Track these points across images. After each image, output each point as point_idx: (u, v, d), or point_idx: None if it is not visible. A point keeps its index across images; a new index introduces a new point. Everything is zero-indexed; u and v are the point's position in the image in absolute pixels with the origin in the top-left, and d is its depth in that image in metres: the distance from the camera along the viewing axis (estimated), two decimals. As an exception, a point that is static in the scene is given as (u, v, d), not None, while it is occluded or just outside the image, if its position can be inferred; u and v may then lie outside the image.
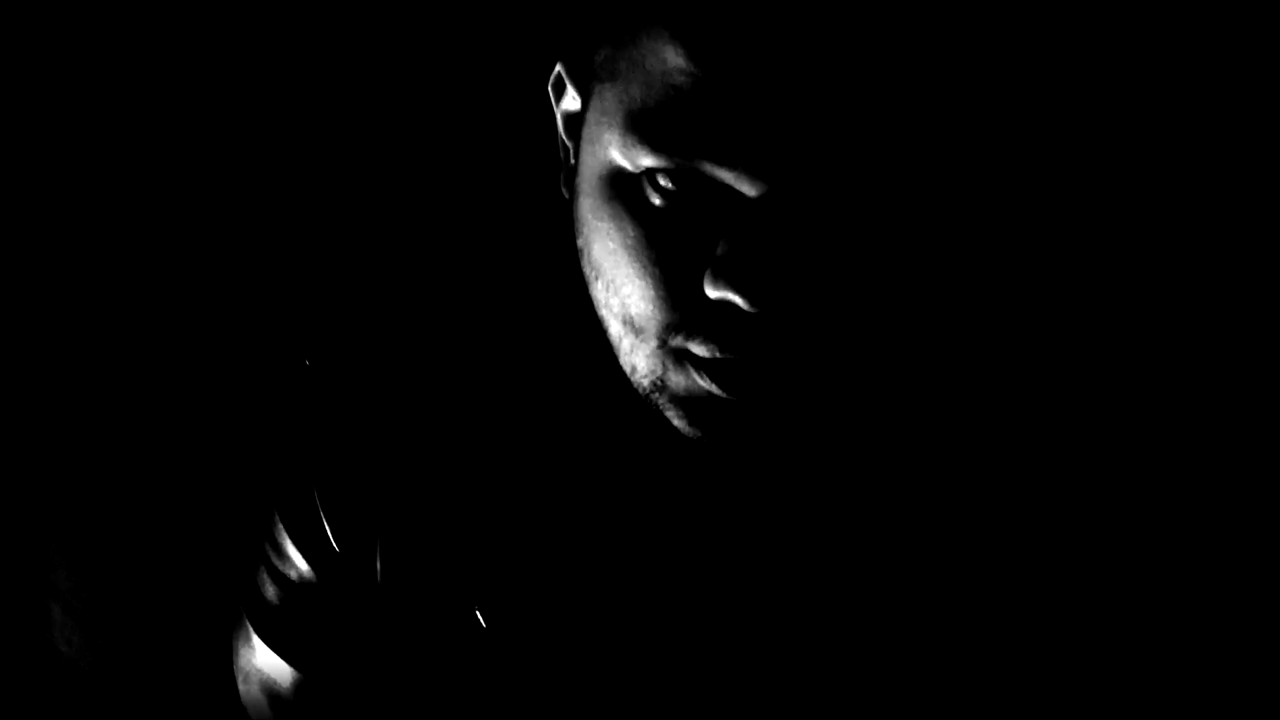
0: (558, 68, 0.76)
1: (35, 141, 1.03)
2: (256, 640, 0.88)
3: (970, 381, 0.81)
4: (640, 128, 0.65)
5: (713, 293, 0.65)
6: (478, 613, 0.79)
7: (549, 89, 0.77)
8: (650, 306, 0.68)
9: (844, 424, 0.79)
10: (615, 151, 0.67)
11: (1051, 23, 0.92)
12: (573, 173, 0.73)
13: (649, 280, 0.68)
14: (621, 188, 0.68)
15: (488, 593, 0.79)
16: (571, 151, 0.75)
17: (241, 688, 0.90)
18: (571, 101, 0.75)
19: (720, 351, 0.67)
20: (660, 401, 0.71)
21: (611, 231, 0.69)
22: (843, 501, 0.78)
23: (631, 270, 0.68)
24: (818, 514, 0.78)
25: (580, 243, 0.73)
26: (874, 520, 0.78)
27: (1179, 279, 0.93)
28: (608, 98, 0.68)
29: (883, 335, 0.74)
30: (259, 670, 0.88)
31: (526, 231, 0.93)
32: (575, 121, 0.74)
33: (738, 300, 0.64)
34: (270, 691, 0.88)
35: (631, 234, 0.68)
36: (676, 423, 0.72)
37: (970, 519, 0.78)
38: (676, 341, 0.69)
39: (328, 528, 0.84)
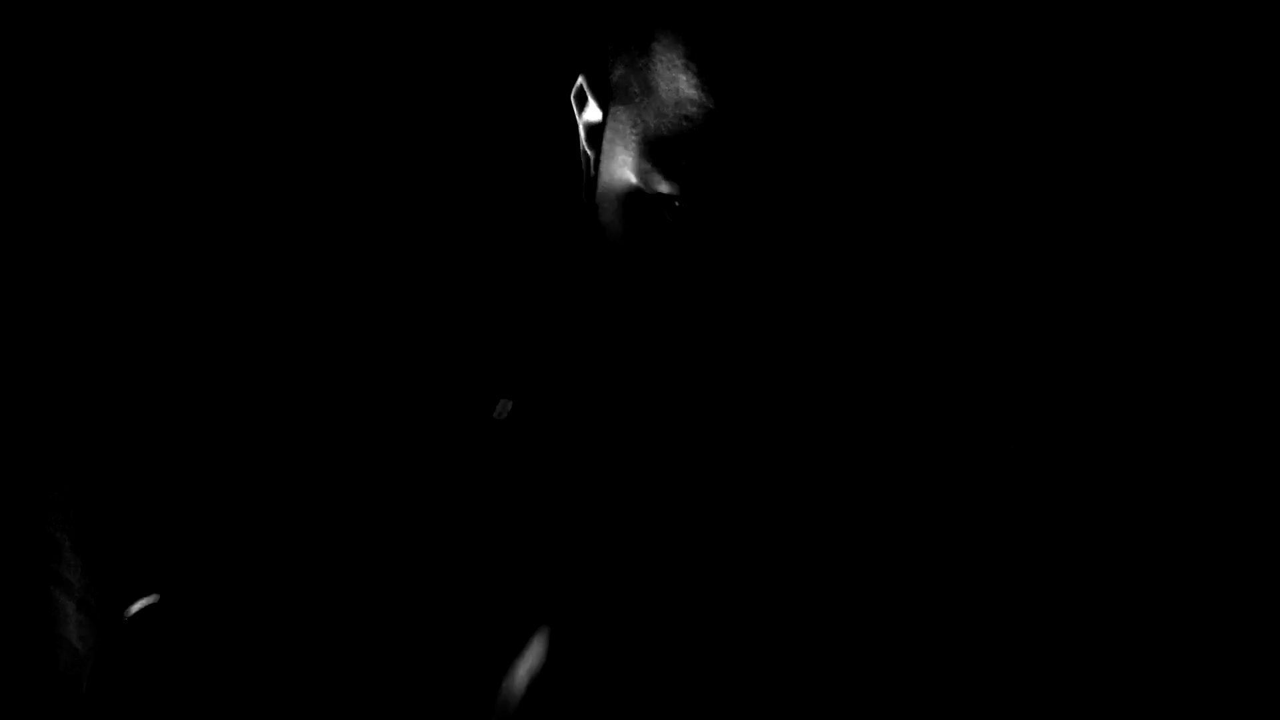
0: (579, 80, 0.77)
1: (38, 141, 1.03)
2: None
3: (964, 372, 0.82)
4: (653, 156, 0.67)
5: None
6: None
7: (572, 99, 0.78)
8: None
9: (836, 414, 0.80)
10: (630, 173, 0.69)
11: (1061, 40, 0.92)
12: (593, 183, 0.75)
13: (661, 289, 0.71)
14: (636, 205, 0.70)
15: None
16: (592, 161, 0.76)
17: None
18: (593, 113, 0.76)
19: None
20: None
21: (626, 246, 0.71)
22: (847, 411, 0.79)
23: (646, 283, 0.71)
24: (822, 423, 0.79)
25: (599, 248, 0.74)
26: (878, 428, 0.79)
27: (1168, 278, 0.94)
28: (623, 119, 0.69)
29: (881, 336, 0.75)
30: None
31: (547, 233, 0.94)
32: (597, 132, 0.75)
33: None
34: None
35: (646, 247, 0.70)
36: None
37: (962, 507, 0.79)
38: None
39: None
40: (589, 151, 0.77)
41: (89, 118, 1.03)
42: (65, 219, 1.05)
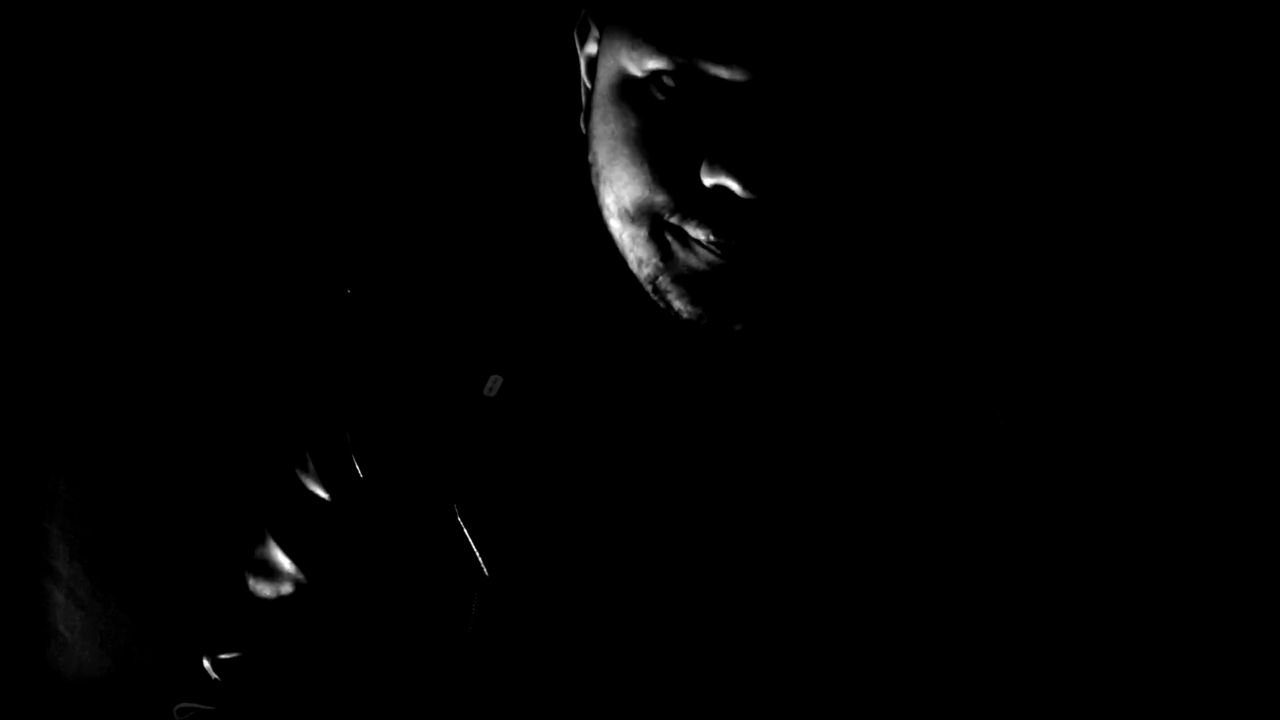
0: (583, 11, 0.80)
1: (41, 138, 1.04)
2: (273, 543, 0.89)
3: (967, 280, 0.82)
4: (645, 32, 0.69)
5: (708, 179, 0.68)
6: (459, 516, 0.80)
7: (574, 34, 0.81)
8: (645, 191, 0.71)
9: (839, 311, 0.80)
10: (624, 59, 0.71)
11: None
12: (590, 108, 0.77)
13: (645, 166, 0.71)
14: (628, 90, 0.72)
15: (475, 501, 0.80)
16: (591, 92, 0.78)
17: (250, 580, 0.91)
18: (593, 45, 0.79)
19: (715, 235, 0.70)
20: (663, 286, 0.74)
21: (615, 128, 0.72)
22: (841, 400, 0.79)
23: (630, 159, 0.72)
24: (817, 412, 0.79)
25: (590, 158, 0.76)
26: (872, 419, 0.78)
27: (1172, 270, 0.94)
28: (619, 14, 0.72)
29: (876, 227, 0.75)
30: (276, 563, 0.89)
31: (542, 167, 0.97)
32: (595, 64, 0.78)
33: (732, 185, 0.67)
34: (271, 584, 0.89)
35: (634, 125, 0.71)
36: (678, 304, 0.74)
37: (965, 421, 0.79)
38: (674, 220, 0.71)
39: (355, 460, 0.85)
40: (588, 83, 0.80)
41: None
42: (64, 221, 1.06)
